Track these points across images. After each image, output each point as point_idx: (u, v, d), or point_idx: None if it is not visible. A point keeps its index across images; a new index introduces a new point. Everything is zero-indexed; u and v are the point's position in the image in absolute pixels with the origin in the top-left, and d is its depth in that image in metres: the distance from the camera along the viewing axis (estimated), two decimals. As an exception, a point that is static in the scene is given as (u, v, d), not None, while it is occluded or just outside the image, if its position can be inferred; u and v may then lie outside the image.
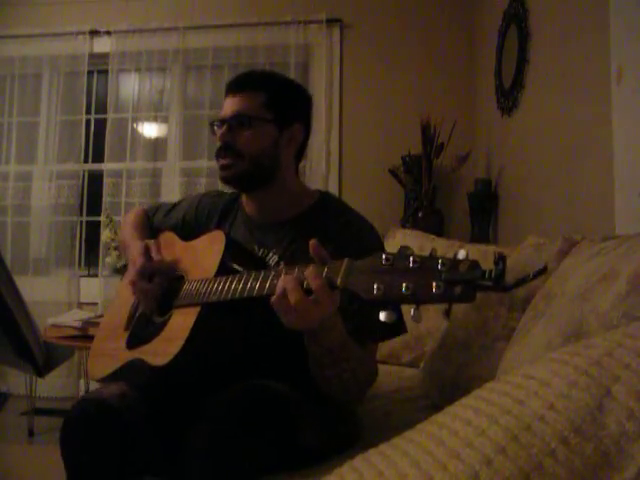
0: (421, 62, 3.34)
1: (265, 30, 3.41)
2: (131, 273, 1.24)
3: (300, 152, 1.33)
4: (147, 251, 1.27)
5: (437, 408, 0.60)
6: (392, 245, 2.32)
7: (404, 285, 0.72)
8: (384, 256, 0.76)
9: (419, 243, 2.21)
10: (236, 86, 1.27)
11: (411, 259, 0.73)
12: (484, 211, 2.82)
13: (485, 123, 3.08)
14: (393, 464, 0.53)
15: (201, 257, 1.22)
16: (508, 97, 2.54)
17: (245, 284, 0.99)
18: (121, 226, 1.55)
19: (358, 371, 1.08)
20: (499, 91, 2.70)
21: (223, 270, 1.10)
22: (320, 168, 3.33)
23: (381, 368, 1.24)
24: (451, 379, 1.37)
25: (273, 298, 0.90)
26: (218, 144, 1.25)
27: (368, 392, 1.22)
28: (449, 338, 1.47)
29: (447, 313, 0.70)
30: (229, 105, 1.25)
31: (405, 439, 0.57)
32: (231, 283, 1.03)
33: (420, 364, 1.80)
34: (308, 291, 0.88)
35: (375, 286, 0.74)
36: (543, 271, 0.74)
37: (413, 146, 3.04)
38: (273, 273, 0.95)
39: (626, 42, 1.48)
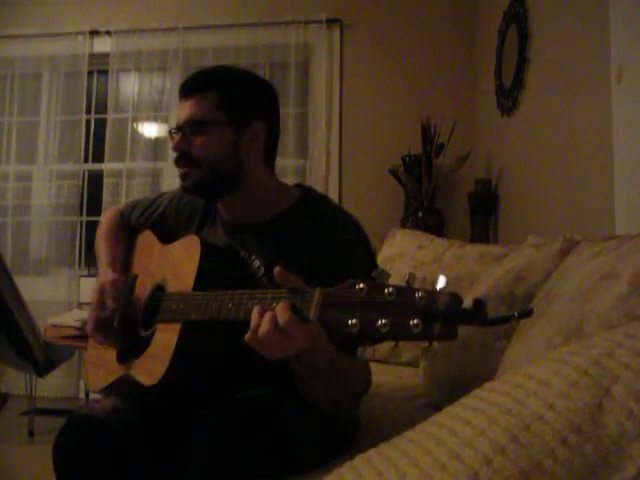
0: (421, 62, 3.34)
1: (265, 30, 3.41)
2: (87, 324, 1.21)
3: (269, 150, 1.22)
4: (103, 294, 1.20)
5: (437, 408, 0.60)
6: (393, 245, 2.32)
7: (380, 322, 0.68)
8: (359, 286, 0.72)
9: (419, 243, 2.21)
10: (186, 89, 1.18)
11: (386, 291, 0.68)
12: (484, 211, 2.82)
13: (485, 123, 3.08)
14: (393, 464, 0.53)
15: (178, 265, 1.18)
16: (508, 97, 2.54)
17: (221, 305, 0.96)
18: (97, 233, 1.51)
19: (347, 384, 1.04)
20: (499, 91, 2.70)
21: (201, 279, 1.07)
22: (320, 168, 3.33)
23: (381, 368, 1.23)
24: (451, 378, 1.37)
25: (246, 335, 0.86)
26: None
27: (367, 393, 1.20)
28: (449, 338, 1.47)
29: (426, 350, 0.67)
30: (181, 111, 1.17)
31: (405, 439, 0.57)
32: (208, 303, 0.99)
33: (420, 363, 1.80)
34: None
35: (350, 322, 0.70)
36: (529, 314, 0.71)
37: (413, 146, 3.04)
38: (247, 295, 0.92)
39: (626, 42, 1.48)
